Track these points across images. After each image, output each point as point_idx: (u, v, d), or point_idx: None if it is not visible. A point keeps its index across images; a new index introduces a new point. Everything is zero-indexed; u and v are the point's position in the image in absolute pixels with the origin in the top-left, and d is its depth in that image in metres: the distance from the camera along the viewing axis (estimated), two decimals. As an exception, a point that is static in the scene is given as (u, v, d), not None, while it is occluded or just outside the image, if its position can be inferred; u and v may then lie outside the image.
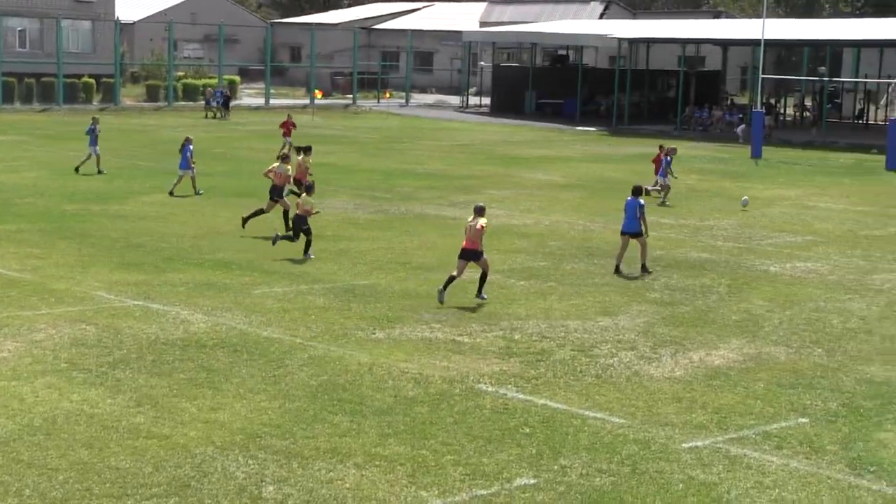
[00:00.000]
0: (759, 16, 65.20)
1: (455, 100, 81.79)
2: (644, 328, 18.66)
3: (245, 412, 13.90)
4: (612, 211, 31.52)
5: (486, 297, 20.15)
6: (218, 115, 62.92)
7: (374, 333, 17.85)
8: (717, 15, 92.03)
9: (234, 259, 23.28)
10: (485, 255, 20.02)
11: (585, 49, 76.27)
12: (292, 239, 23.74)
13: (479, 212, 19.93)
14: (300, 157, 29.39)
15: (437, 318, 18.88)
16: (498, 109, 72.97)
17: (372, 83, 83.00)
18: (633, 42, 70.37)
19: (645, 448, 13.09)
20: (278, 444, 12.87)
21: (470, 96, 79.13)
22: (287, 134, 42.65)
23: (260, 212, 26.29)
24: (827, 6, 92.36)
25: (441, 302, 19.63)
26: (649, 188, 32.05)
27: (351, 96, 77.17)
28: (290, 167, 26.67)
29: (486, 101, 77.44)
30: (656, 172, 34.07)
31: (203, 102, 65.58)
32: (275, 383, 15.10)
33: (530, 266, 23.71)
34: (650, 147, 51.87)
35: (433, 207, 31.52)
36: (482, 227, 19.74)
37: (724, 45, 72.44)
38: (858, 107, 70.81)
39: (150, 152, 41.33)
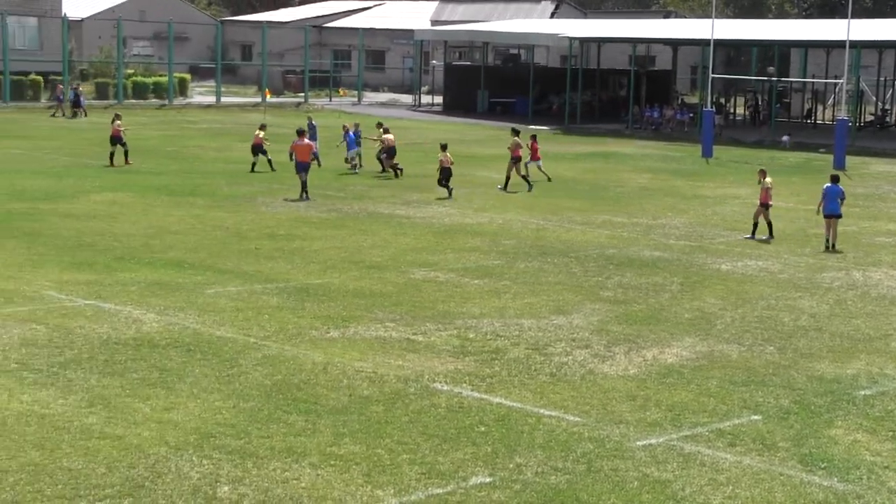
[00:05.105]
0: (708, 16, 65.53)
1: (407, 98, 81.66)
2: (598, 326, 18.72)
3: (199, 412, 13.80)
4: (565, 210, 31.66)
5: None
6: (66, 113, 59.47)
7: (329, 333, 17.79)
8: (667, 15, 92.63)
9: (185, 258, 23.12)
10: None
11: (537, 48, 76.46)
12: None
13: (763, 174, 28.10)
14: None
15: (391, 318, 18.85)
16: (450, 108, 72.93)
17: (324, 82, 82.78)
18: (584, 41, 70.67)
19: (600, 446, 13.12)
20: (233, 443, 12.79)
21: (422, 95, 79.11)
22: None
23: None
24: (773, 7, 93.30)
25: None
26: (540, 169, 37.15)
27: (303, 95, 76.91)
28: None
29: (439, 99, 77.41)
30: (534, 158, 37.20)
31: (56, 100, 61.57)
32: (229, 383, 15.01)
33: (484, 265, 23.72)
34: (602, 146, 52.24)
35: (386, 206, 31.45)
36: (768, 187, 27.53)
37: (675, 44, 72.86)
38: (806, 106, 71.47)
39: (99, 150, 40.86)
